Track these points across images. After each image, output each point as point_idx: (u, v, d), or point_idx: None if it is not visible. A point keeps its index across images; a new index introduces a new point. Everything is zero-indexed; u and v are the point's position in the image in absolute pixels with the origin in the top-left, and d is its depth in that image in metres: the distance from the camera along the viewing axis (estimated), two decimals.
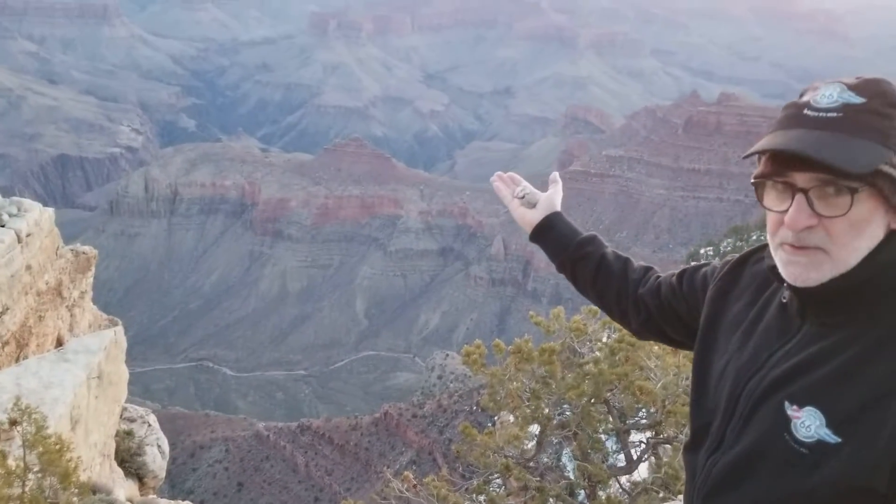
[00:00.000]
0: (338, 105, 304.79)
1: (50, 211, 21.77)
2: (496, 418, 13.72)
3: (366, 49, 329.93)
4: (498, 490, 9.85)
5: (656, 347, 9.03)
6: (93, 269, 24.44)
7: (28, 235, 19.80)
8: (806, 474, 1.82)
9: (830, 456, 1.78)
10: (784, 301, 2.06)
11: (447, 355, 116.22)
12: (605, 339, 9.98)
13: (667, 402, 8.61)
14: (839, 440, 1.77)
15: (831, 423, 1.79)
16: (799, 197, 1.84)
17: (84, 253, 24.42)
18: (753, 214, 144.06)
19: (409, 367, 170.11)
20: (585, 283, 2.93)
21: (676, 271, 2.74)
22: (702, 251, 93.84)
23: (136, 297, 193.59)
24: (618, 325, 10.13)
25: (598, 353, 9.53)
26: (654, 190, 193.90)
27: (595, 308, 11.18)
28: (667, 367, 8.70)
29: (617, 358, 8.95)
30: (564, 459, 12.37)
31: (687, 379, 8.65)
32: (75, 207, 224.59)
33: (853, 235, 1.82)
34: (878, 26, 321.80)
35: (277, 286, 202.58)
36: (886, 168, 1.78)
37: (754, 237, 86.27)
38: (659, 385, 8.60)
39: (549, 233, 3.00)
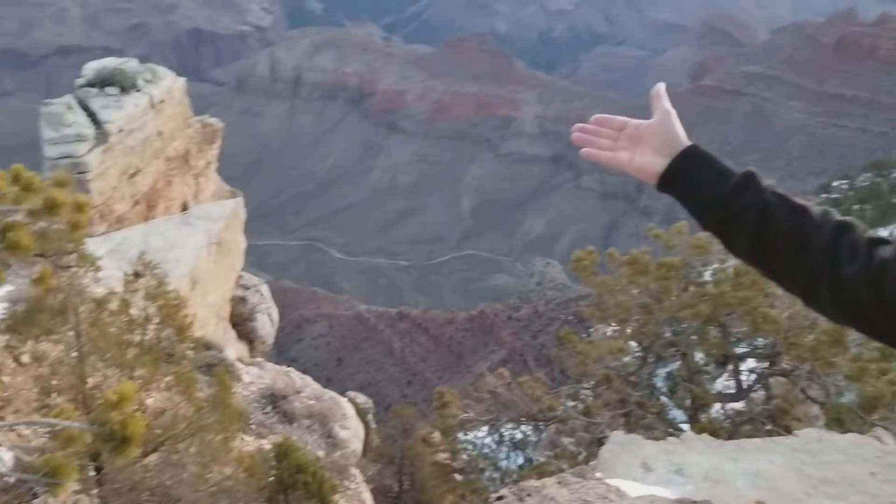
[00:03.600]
0: None
1: (181, 80, 22.44)
2: (592, 330, 13.53)
3: None
4: (593, 399, 9.79)
5: None
6: (219, 140, 25.28)
7: (160, 102, 20.56)
8: None
9: None
10: None
11: (548, 263, 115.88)
12: (729, 261, 9.46)
13: (790, 333, 8.13)
14: None
15: None
16: None
17: (211, 124, 25.24)
18: None
19: (509, 271, 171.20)
20: (745, 252, 1.99)
21: None
22: (835, 184, 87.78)
23: (257, 173, 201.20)
24: None
25: (720, 275, 9.06)
26: (792, 113, 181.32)
27: None
28: None
29: (742, 281, 8.46)
30: (664, 379, 12.12)
31: None
32: (205, 81, 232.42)
33: None
34: None
35: (388, 177, 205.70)
36: None
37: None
38: (785, 314, 8.11)
39: (684, 182, 2.02)
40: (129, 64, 20.21)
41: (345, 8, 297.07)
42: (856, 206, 71.16)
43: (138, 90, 19.69)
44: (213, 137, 24.35)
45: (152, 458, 7.51)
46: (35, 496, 4.96)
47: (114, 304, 8.83)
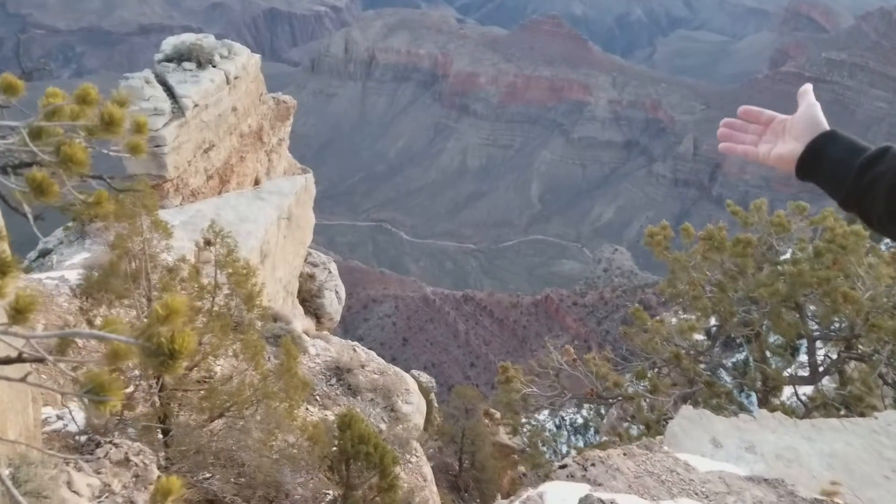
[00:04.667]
0: None
1: (257, 57, 22.82)
2: (658, 318, 13.20)
3: None
4: (660, 378, 9.56)
5: (870, 255, 8.08)
6: (291, 118, 25.67)
7: (236, 78, 20.96)
8: None
9: None
10: None
11: (616, 250, 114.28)
12: (809, 240, 9.07)
13: (871, 315, 7.74)
14: None
15: None
16: None
17: (284, 102, 25.64)
18: None
19: (576, 257, 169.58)
20: (880, 218, 1.96)
21: None
22: None
23: (329, 154, 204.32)
24: (830, 225, 9.20)
25: (799, 254, 8.68)
26: (875, 102, 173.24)
27: (803, 204, 10.16)
28: (879, 277, 7.75)
29: (822, 260, 8.08)
30: (734, 363, 11.77)
31: None
32: (280, 62, 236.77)
33: None
34: None
35: (458, 160, 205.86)
36: None
37: None
38: (867, 295, 7.72)
39: (820, 163, 2.05)
40: (207, 40, 20.59)
41: None
42: None
43: (214, 66, 20.05)
44: (286, 114, 24.73)
45: (218, 423, 7.67)
46: (98, 445, 5.12)
47: (185, 272, 9.04)
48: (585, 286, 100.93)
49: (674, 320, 10.75)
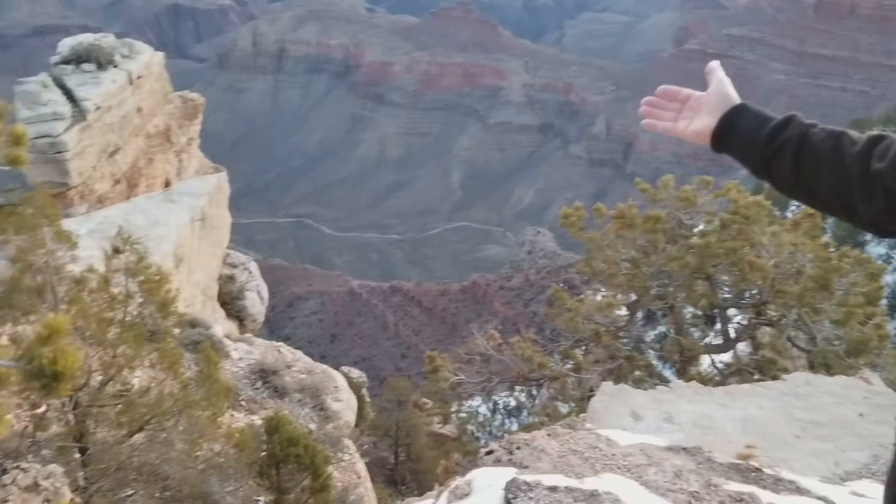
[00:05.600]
0: None
1: (160, 55, 22.04)
2: (582, 296, 13.50)
3: None
4: (584, 356, 9.77)
5: (773, 224, 8.44)
6: (200, 116, 24.93)
7: (139, 78, 20.20)
8: None
9: None
10: None
11: (538, 231, 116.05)
12: (715, 213, 9.41)
13: (777, 281, 8.10)
14: None
15: None
16: None
17: (192, 99, 24.87)
18: (878, 107, 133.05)
19: (500, 241, 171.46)
20: (787, 180, 2.10)
21: None
22: None
23: (243, 150, 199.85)
24: (734, 198, 9.59)
25: (706, 226, 9.00)
26: (774, 75, 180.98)
27: (708, 178, 10.54)
28: (782, 245, 8.12)
29: (728, 231, 8.40)
30: (650, 336, 12.14)
31: (803, 259, 8.10)
32: (186, 58, 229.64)
33: None
34: None
35: (377, 151, 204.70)
36: None
37: (877, 130, 79.60)
38: (771, 262, 8.07)
39: (732, 135, 2.19)
40: (106, 39, 19.80)
41: None
42: None
43: (115, 66, 19.31)
44: (194, 113, 24.01)
45: (138, 437, 7.43)
46: (5, 471, 4.87)
47: (93, 283, 8.69)
48: (511, 269, 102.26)
49: (598, 297, 11.01)
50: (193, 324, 13.63)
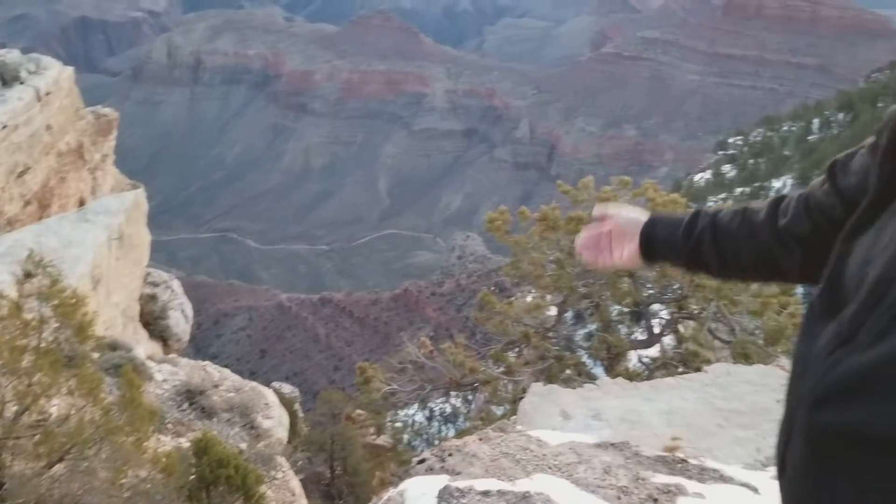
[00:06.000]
0: None
1: (69, 70, 21.24)
2: (512, 299, 13.65)
3: None
4: (515, 358, 9.85)
5: None
6: (114, 132, 24.12)
7: (47, 94, 19.41)
8: None
9: None
10: None
11: (468, 236, 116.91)
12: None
13: (695, 276, 8.34)
14: None
15: None
16: None
17: (105, 115, 24.05)
18: (786, 104, 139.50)
19: (430, 247, 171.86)
20: (717, 267, 2.22)
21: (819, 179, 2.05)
22: (730, 140, 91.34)
23: (161, 165, 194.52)
24: (651, 196, 9.86)
25: None
26: (687, 75, 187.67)
27: (626, 178, 10.82)
28: None
29: None
30: (580, 335, 12.34)
31: None
32: (98, 72, 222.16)
33: None
34: None
35: (300, 161, 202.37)
36: None
37: (786, 127, 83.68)
38: None
39: (655, 247, 2.33)
40: (11, 55, 19.01)
41: None
42: (751, 161, 74.30)
43: (22, 82, 18.56)
44: (107, 129, 23.24)
45: (59, 467, 7.11)
46: None
47: (4, 309, 8.29)
48: (442, 275, 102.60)
49: (529, 298, 11.11)
50: (114, 347, 13.15)
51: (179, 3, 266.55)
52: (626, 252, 2.36)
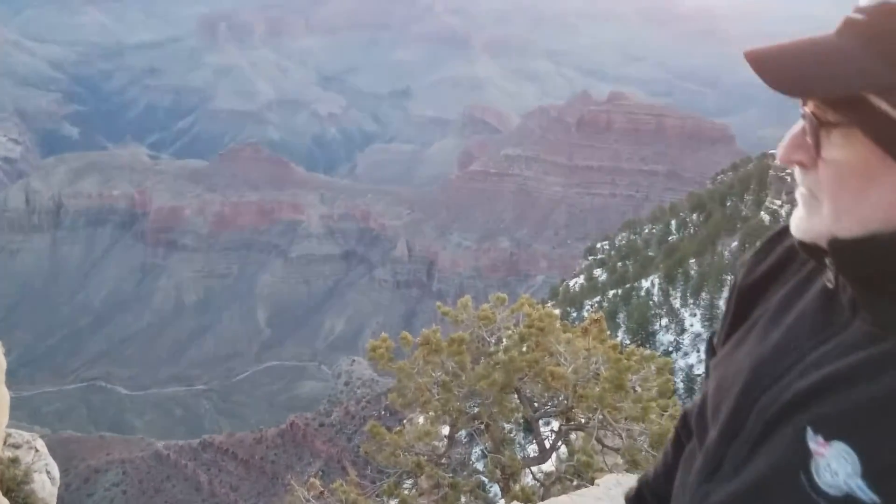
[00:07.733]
0: (231, 109, 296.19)
1: None
2: (405, 421, 13.35)
3: (259, 52, 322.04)
4: (410, 490, 9.48)
5: (566, 332, 8.91)
6: None
7: None
8: None
9: None
10: (829, 286, 1.39)
11: (353, 361, 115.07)
12: (514, 327, 9.80)
13: (578, 387, 8.48)
14: (876, 500, 1.19)
15: (869, 473, 1.20)
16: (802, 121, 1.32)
17: None
18: (645, 208, 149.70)
19: (315, 376, 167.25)
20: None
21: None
22: (598, 245, 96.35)
23: (20, 316, 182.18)
24: (527, 311, 10.10)
25: (507, 342, 9.32)
26: (552, 187, 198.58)
27: (502, 295, 11.06)
28: (577, 351, 8.58)
29: (527, 345, 8.75)
30: (476, 454, 12.13)
31: (597, 362, 8.57)
32: None
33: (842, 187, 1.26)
34: (755, 23, 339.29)
35: (173, 298, 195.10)
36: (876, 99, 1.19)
37: (647, 230, 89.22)
38: (570, 369, 8.45)
39: None
40: None
41: (104, 132, 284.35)
42: (619, 264, 78.33)
43: None
44: None
45: None
46: None
47: None
48: (329, 404, 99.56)
49: (421, 420, 10.85)
50: None
51: (37, 147, 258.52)
52: None
